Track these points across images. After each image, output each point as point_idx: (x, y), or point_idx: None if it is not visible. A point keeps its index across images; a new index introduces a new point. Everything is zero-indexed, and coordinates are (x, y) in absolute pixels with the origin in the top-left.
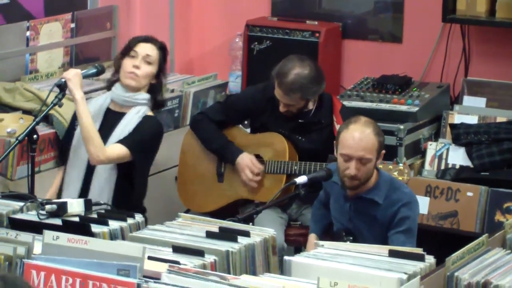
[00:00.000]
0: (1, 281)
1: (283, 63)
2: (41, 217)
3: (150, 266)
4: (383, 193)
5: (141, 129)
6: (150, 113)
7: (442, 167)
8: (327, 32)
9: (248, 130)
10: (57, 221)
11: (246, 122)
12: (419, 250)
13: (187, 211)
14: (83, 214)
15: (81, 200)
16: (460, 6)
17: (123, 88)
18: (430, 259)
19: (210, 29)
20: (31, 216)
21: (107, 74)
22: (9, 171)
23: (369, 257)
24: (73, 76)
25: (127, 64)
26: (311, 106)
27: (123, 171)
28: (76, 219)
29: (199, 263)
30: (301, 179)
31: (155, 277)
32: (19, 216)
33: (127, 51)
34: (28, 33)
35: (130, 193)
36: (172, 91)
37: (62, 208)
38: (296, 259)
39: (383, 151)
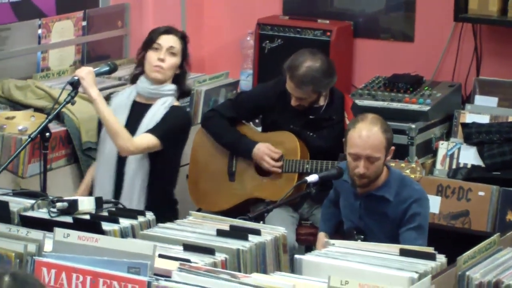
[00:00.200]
0: (11, 278)
1: (294, 56)
2: (52, 214)
3: (161, 264)
4: (394, 190)
5: (169, 119)
6: (177, 103)
7: (454, 166)
8: (338, 31)
9: (259, 128)
10: (68, 219)
11: (257, 120)
12: (430, 249)
13: (199, 210)
14: (94, 212)
15: (92, 198)
16: (472, 5)
17: (148, 80)
18: (441, 258)
19: (222, 27)
20: (42, 213)
21: (119, 72)
22: (20, 168)
23: (380, 256)
24: (86, 74)
25: (152, 57)
26: (322, 102)
27: (154, 163)
28: (87, 217)
29: (209, 261)
30: (312, 178)
31: (166, 275)
32: (30, 213)
33: (150, 43)
34: (39, 31)
35: (162, 184)
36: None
37: (73, 206)
38: (307, 258)
39: (393, 148)
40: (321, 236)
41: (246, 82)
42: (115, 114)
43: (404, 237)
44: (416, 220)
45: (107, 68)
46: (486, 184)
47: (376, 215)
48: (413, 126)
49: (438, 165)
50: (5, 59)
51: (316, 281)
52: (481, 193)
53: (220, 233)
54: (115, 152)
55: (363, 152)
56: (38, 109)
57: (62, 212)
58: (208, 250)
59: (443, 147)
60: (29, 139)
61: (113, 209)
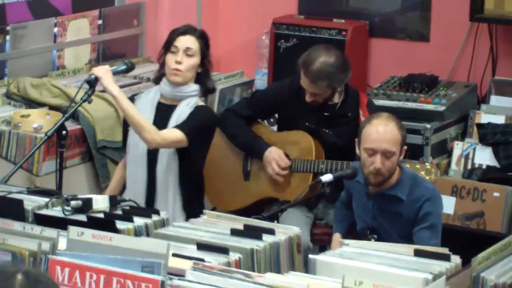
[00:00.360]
0: (24, 277)
1: (308, 52)
2: (66, 213)
3: (175, 263)
4: (406, 189)
5: (195, 117)
6: (201, 103)
7: (469, 167)
8: (354, 30)
9: (275, 127)
10: (82, 217)
11: (272, 120)
12: (445, 250)
13: (213, 209)
14: (108, 210)
15: (106, 197)
16: (488, 5)
17: (169, 83)
18: (456, 259)
19: (237, 26)
20: (56, 212)
21: (135, 71)
22: (35, 167)
23: (395, 256)
24: (105, 72)
25: (170, 60)
26: (337, 99)
27: (182, 162)
28: (101, 215)
29: (223, 261)
30: (327, 177)
31: (180, 274)
32: (44, 212)
33: (168, 46)
34: (55, 30)
35: (192, 183)
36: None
37: (87, 204)
38: (321, 258)
39: (405, 147)
40: (336, 237)
41: (261, 81)
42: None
43: (418, 237)
44: (429, 219)
45: (124, 67)
46: (501, 185)
47: (389, 214)
48: (428, 126)
49: (453, 166)
50: (21, 57)
51: (330, 281)
52: (496, 194)
53: (234, 232)
54: (145, 153)
55: (380, 146)
56: (53, 107)
57: (76, 210)
58: (222, 250)
59: (458, 148)
60: (46, 137)
61: (127, 207)
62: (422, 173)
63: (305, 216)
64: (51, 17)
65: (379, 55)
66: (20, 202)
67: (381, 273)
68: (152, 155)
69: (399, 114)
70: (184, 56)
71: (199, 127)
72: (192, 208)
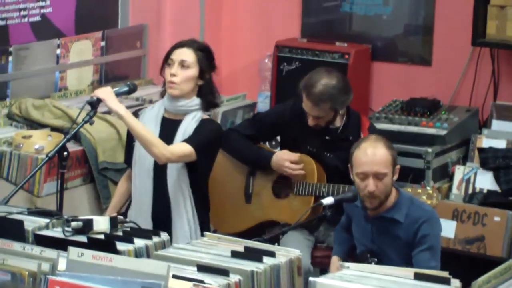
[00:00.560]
0: None
1: (310, 75)
2: (67, 234)
3: (175, 284)
4: (404, 212)
5: (201, 131)
6: (206, 116)
7: (470, 191)
8: (356, 54)
9: (278, 149)
10: (83, 238)
11: (274, 143)
12: (445, 274)
13: (215, 231)
14: (108, 231)
15: (107, 218)
16: (490, 30)
17: (170, 97)
18: (456, 283)
19: (240, 49)
20: (56, 232)
21: (137, 93)
22: (36, 187)
23: (394, 279)
24: (108, 94)
25: (166, 73)
26: (338, 123)
27: (191, 175)
28: (102, 236)
29: (223, 283)
30: (328, 200)
31: None
32: (44, 232)
33: (166, 60)
34: (58, 51)
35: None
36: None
37: (87, 225)
38: (321, 280)
39: (398, 166)
40: (335, 260)
41: (264, 104)
42: None
43: (417, 259)
44: (427, 241)
45: (126, 88)
46: (502, 209)
47: (388, 237)
48: (430, 150)
49: (454, 190)
50: (24, 78)
51: None
52: (496, 218)
53: (235, 254)
54: (152, 167)
55: (370, 169)
56: (55, 129)
57: (77, 231)
58: (222, 271)
59: (459, 172)
60: (47, 158)
61: (128, 229)
62: (424, 197)
63: (306, 239)
64: (54, 38)
65: (382, 79)
66: (20, 223)
67: None
68: (160, 169)
69: (400, 138)
70: (179, 69)
71: (206, 140)
72: (202, 220)
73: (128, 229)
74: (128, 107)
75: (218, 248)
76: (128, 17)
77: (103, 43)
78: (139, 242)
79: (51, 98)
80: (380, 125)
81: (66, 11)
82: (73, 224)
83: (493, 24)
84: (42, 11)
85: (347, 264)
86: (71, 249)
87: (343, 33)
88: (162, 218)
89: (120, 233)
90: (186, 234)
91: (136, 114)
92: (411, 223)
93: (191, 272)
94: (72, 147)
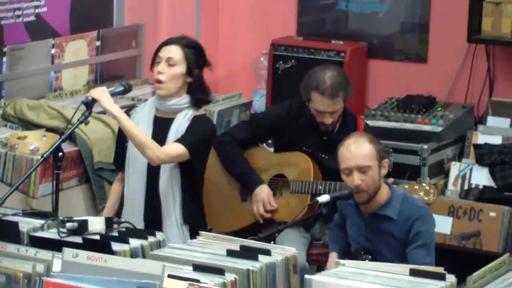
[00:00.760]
0: None
1: (311, 76)
2: (62, 235)
3: (170, 284)
4: (397, 209)
5: (194, 129)
6: (198, 113)
7: (466, 187)
8: (352, 52)
9: (272, 149)
10: (78, 239)
11: (270, 141)
12: (441, 269)
13: (210, 230)
14: (104, 232)
15: (102, 218)
16: (485, 27)
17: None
18: (451, 278)
19: (236, 48)
20: (51, 234)
21: (133, 93)
22: (31, 188)
23: (390, 276)
24: (103, 94)
25: (154, 71)
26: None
27: (184, 174)
28: (97, 237)
29: (219, 282)
30: (324, 198)
31: None
32: (39, 234)
33: (154, 58)
34: (53, 51)
35: (195, 195)
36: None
37: (83, 226)
38: (317, 278)
39: (386, 160)
40: (333, 256)
41: (260, 103)
42: None
43: (412, 256)
44: (421, 238)
45: (121, 88)
46: (498, 205)
47: (381, 235)
48: (426, 146)
49: (450, 186)
50: (18, 78)
51: None
52: (492, 214)
53: (230, 253)
54: (145, 168)
55: (353, 163)
56: (50, 129)
57: (72, 232)
58: (217, 270)
59: (455, 168)
60: (42, 158)
61: (123, 229)
62: (421, 193)
63: (302, 236)
64: (49, 38)
65: (377, 77)
66: (15, 224)
67: None
68: (153, 169)
69: (396, 135)
70: (166, 66)
71: (200, 139)
72: (195, 220)
73: (124, 229)
74: (124, 107)
75: (214, 247)
76: (123, 16)
77: (98, 43)
78: (135, 242)
79: (46, 98)
80: (376, 123)
81: (61, 11)
82: (68, 225)
83: (488, 20)
84: (36, 10)
85: (342, 261)
86: (66, 250)
87: (339, 31)
88: (154, 219)
89: (115, 234)
90: (176, 235)
91: (127, 114)
92: (404, 220)
93: (187, 271)
94: (68, 147)
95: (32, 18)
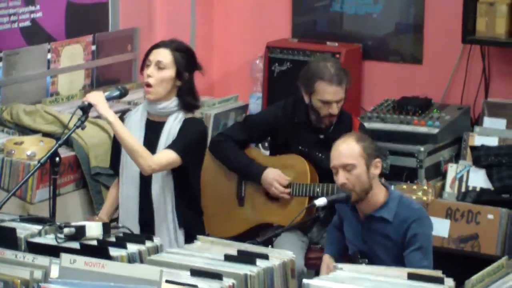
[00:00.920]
0: None
1: (311, 69)
2: (59, 240)
3: None
4: (393, 211)
5: (185, 132)
6: (189, 115)
7: (463, 189)
8: (347, 53)
9: (267, 152)
10: (75, 245)
11: (266, 144)
12: (439, 273)
13: (207, 235)
14: (101, 237)
15: (100, 223)
16: (480, 27)
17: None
18: (449, 282)
19: (231, 51)
20: (49, 239)
21: (129, 96)
22: (28, 194)
23: (388, 280)
24: (98, 99)
25: (144, 75)
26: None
27: (177, 180)
28: (94, 242)
29: (217, 287)
30: (321, 201)
31: None
32: (37, 239)
33: (144, 61)
34: (49, 56)
35: (189, 201)
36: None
37: (80, 232)
38: (315, 282)
39: (378, 160)
40: (326, 258)
41: (256, 105)
42: (132, 134)
43: (409, 259)
44: (418, 240)
45: (117, 93)
46: (496, 207)
47: (378, 237)
48: (422, 148)
49: (447, 188)
50: (15, 84)
51: None
52: (490, 216)
53: (228, 257)
54: (138, 174)
55: (337, 162)
56: (46, 134)
57: (70, 238)
58: (215, 275)
59: (452, 170)
60: (39, 164)
61: (121, 234)
62: (419, 193)
63: (300, 240)
64: (44, 43)
65: (373, 78)
66: (12, 230)
67: None
68: (145, 176)
69: (393, 137)
70: (156, 69)
71: (191, 143)
72: (191, 225)
73: (121, 234)
74: (120, 111)
75: (211, 252)
76: (118, 20)
77: (94, 47)
78: (132, 247)
79: (43, 103)
80: (372, 125)
81: (56, 16)
82: (66, 230)
83: (483, 21)
84: (32, 16)
85: (340, 265)
86: (64, 256)
87: (333, 32)
88: (149, 223)
89: (113, 239)
90: (170, 240)
91: (121, 118)
92: (400, 222)
93: (185, 276)
94: (64, 152)
95: (27, 23)
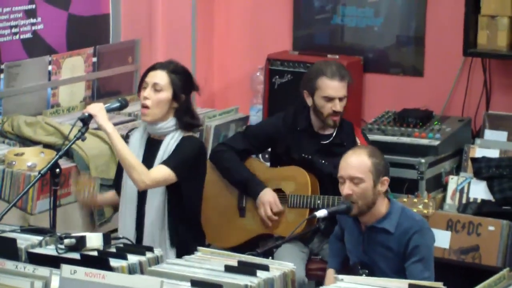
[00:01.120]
0: None
1: (312, 70)
2: (60, 251)
3: None
4: (395, 222)
5: (181, 149)
6: (187, 134)
7: (464, 201)
8: (348, 66)
9: (268, 163)
10: (76, 255)
11: (266, 156)
12: (440, 284)
13: (208, 246)
14: (102, 248)
15: (100, 234)
16: (481, 40)
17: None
18: None
19: (232, 63)
20: (49, 250)
21: (130, 108)
22: (29, 205)
23: None
24: (98, 110)
25: (141, 96)
26: (331, 130)
27: (172, 195)
28: (95, 253)
29: None
30: (321, 213)
31: None
32: (37, 250)
33: (141, 83)
34: (50, 67)
35: (185, 217)
36: (202, 124)
37: (80, 242)
38: None
39: (386, 178)
40: (330, 273)
41: (256, 118)
42: (133, 151)
43: (410, 271)
44: (419, 252)
45: (118, 104)
46: (496, 219)
47: (380, 248)
48: (423, 160)
49: (448, 200)
50: (16, 95)
51: None
52: (491, 228)
53: (228, 268)
54: (136, 193)
55: (345, 173)
56: (47, 146)
57: (70, 248)
58: (215, 286)
59: (453, 182)
60: (39, 175)
61: (121, 245)
62: (420, 206)
63: (300, 251)
64: (45, 55)
65: (374, 90)
66: (13, 241)
67: None
68: (142, 192)
69: (394, 149)
70: (152, 92)
71: (185, 159)
72: (184, 245)
73: (121, 245)
74: (120, 123)
75: (212, 263)
76: (119, 32)
77: (95, 59)
78: (133, 258)
79: (44, 115)
80: (372, 137)
81: (58, 28)
82: (66, 241)
83: (484, 34)
84: (33, 28)
85: (341, 276)
86: (64, 266)
87: (334, 45)
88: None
89: (113, 250)
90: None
91: (127, 136)
92: (401, 233)
93: (185, 287)
94: (65, 163)
95: (29, 35)
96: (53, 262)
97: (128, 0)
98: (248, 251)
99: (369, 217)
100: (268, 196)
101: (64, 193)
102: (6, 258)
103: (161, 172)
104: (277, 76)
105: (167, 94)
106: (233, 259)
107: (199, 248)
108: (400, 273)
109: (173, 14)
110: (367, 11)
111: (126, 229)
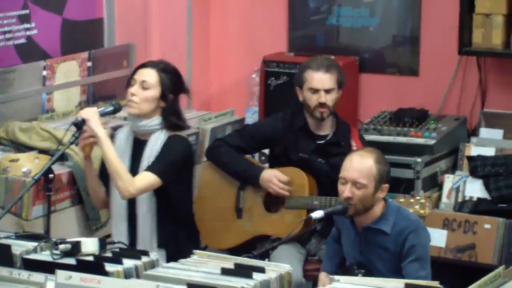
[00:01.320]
0: None
1: (302, 65)
2: (55, 257)
3: None
4: (391, 222)
5: (166, 151)
6: (173, 133)
7: (460, 199)
8: (344, 66)
9: (266, 165)
10: (71, 261)
11: (263, 157)
12: (436, 283)
13: (205, 248)
14: (97, 253)
15: (96, 239)
16: (476, 38)
17: (131, 116)
18: None
19: (228, 65)
20: (44, 256)
21: (124, 112)
22: (24, 211)
23: None
24: (92, 115)
25: (128, 92)
26: (328, 130)
27: (161, 201)
28: (90, 258)
29: None
30: (318, 214)
31: None
32: (32, 256)
33: (129, 79)
34: (44, 72)
35: (175, 217)
36: (189, 128)
37: (76, 248)
38: None
39: (386, 185)
40: (322, 276)
41: (252, 119)
42: (119, 152)
43: (407, 271)
44: (415, 251)
45: (111, 108)
46: (492, 217)
47: (376, 249)
48: (419, 160)
49: (444, 199)
50: (10, 101)
51: None
52: (487, 226)
53: (225, 271)
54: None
55: (349, 175)
56: (42, 151)
57: (66, 254)
58: None
59: (449, 181)
60: (33, 181)
61: (117, 249)
62: (417, 207)
63: (298, 252)
64: (39, 60)
65: (369, 90)
66: (8, 247)
67: None
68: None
69: (390, 149)
70: (140, 89)
71: (172, 163)
72: (174, 246)
73: (117, 249)
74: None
75: (208, 266)
76: (114, 37)
77: (89, 64)
78: (128, 263)
79: (39, 120)
80: (369, 137)
81: (52, 33)
82: (61, 246)
83: (479, 32)
84: (27, 33)
85: (337, 277)
86: (59, 272)
87: (330, 45)
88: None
89: (109, 254)
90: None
91: (113, 135)
92: (397, 233)
93: None
94: (60, 169)
95: (23, 40)
96: (48, 267)
97: (122, 4)
98: (246, 252)
99: (365, 218)
100: (269, 173)
101: (59, 198)
102: (1, 265)
103: (146, 180)
104: (273, 78)
105: (154, 92)
106: (230, 261)
107: (195, 251)
108: (397, 274)
109: (168, 17)
110: (362, 12)
111: (119, 233)
